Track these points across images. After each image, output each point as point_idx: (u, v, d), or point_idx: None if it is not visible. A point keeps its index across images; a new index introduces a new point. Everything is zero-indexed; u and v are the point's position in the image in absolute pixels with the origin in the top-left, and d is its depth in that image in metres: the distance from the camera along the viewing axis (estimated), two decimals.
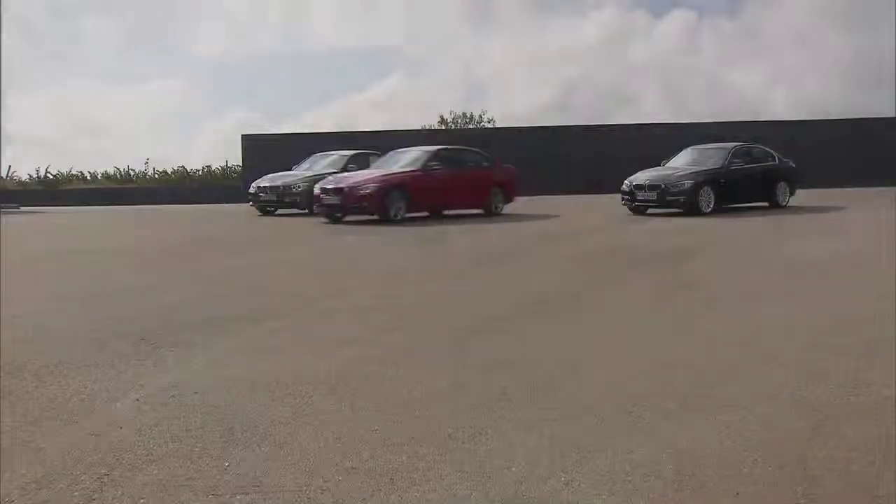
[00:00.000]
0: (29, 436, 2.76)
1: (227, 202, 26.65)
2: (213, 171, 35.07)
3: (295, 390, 3.27)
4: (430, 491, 2.26)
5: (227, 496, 2.23)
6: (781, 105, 62.97)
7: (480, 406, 3.01)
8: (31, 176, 34.97)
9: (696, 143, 16.08)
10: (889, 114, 29.71)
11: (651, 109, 69.35)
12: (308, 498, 2.22)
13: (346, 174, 14.51)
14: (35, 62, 62.90)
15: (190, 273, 7.45)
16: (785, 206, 14.90)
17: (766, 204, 14.84)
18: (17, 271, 7.63)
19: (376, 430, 2.77)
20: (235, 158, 34.40)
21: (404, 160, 14.53)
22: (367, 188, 13.07)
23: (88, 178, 35.52)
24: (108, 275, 7.40)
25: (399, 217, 13.10)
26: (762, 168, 14.91)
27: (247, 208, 17.28)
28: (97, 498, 2.24)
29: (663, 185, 13.73)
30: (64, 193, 31.49)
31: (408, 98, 65.79)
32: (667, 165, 15.17)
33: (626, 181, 14.47)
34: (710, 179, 13.88)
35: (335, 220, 13.67)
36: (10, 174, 34.75)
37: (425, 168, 13.98)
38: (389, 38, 71.51)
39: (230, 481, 2.34)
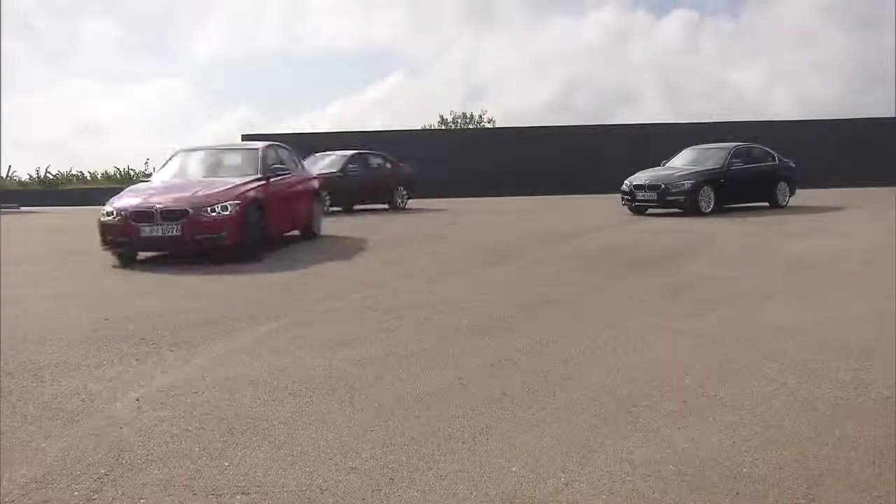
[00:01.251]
0: (29, 436, 2.76)
1: None
2: None
3: (295, 390, 3.27)
4: (430, 491, 2.26)
5: (227, 496, 2.23)
6: (781, 105, 63.08)
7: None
8: (31, 176, 35.04)
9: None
10: (889, 114, 29.74)
11: (651, 109, 69.41)
12: (308, 498, 2.22)
13: (147, 187, 8.78)
14: (35, 62, 63.00)
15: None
16: (785, 206, 14.92)
17: (766, 204, 14.87)
18: (17, 271, 7.63)
19: (376, 430, 2.77)
20: None
21: (222, 164, 9.33)
22: (224, 208, 7.69)
23: (88, 178, 35.57)
24: (108, 275, 7.40)
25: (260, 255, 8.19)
26: (762, 168, 14.93)
27: None
28: (97, 498, 2.24)
29: (663, 185, 13.72)
30: (64, 193, 31.50)
31: (408, 98, 65.89)
32: (667, 165, 15.17)
33: (626, 181, 14.47)
34: (710, 179, 13.88)
35: (127, 262, 7.95)
36: (10, 174, 34.82)
37: (268, 173, 9.04)
38: (389, 38, 71.62)
39: (230, 481, 2.34)
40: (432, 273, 7.05)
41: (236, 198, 7.97)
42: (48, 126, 62.85)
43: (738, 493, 2.19)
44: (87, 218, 18.48)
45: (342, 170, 15.97)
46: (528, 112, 66.87)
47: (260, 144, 9.88)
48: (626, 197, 14.36)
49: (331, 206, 14.89)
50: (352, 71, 73.86)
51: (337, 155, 16.87)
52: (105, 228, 7.84)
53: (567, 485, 2.28)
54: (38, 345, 4.19)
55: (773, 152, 15.45)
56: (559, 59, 67.79)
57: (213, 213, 7.69)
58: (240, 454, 2.56)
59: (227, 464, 2.48)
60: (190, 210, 7.66)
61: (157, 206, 7.74)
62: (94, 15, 68.62)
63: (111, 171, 35.65)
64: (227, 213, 7.74)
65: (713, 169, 14.13)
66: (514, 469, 2.40)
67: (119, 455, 2.56)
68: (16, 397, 3.24)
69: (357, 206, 16.80)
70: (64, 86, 67.32)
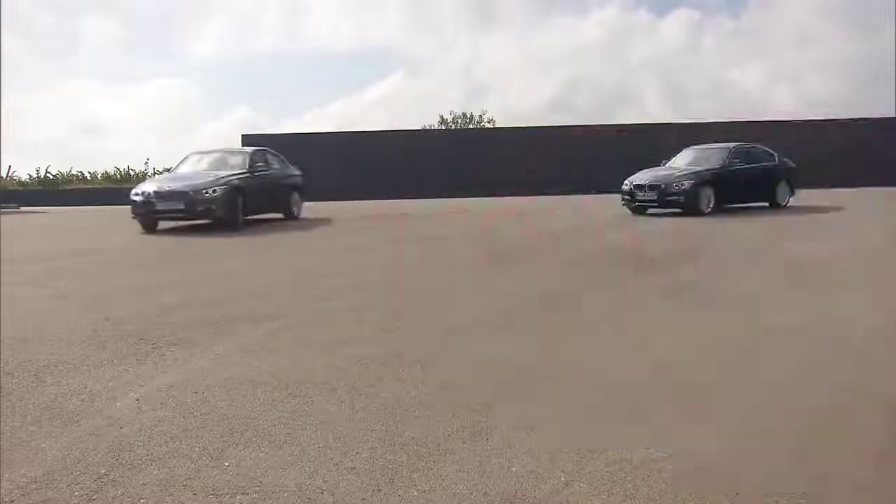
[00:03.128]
0: (29, 436, 2.76)
1: None
2: None
3: (295, 390, 3.27)
4: (430, 491, 2.26)
5: (227, 496, 2.23)
6: (783, 104, 63.08)
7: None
8: (31, 176, 35.06)
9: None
10: (889, 114, 29.68)
11: (652, 108, 69.40)
12: (308, 498, 2.22)
13: None
14: (35, 62, 63.00)
15: (189, 272, 7.44)
16: (785, 206, 14.91)
17: (766, 204, 14.85)
18: (16, 271, 7.63)
19: (376, 430, 2.77)
20: None
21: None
22: None
23: (88, 178, 35.58)
24: (108, 274, 7.40)
25: None
26: (762, 168, 14.91)
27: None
28: (97, 498, 2.24)
29: (663, 185, 13.74)
30: (64, 193, 31.52)
31: (408, 98, 65.90)
32: (667, 165, 15.18)
33: (626, 181, 14.51)
34: (709, 179, 13.91)
35: None
36: (10, 174, 34.83)
37: None
38: (390, 38, 71.65)
39: (230, 481, 2.34)
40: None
41: None
42: (48, 126, 62.88)
43: (738, 494, 2.19)
44: (87, 218, 18.48)
45: (249, 170, 13.06)
46: (528, 112, 66.91)
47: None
48: (626, 197, 14.38)
49: (245, 214, 12.46)
50: (352, 71, 73.93)
51: (220, 152, 13.82)
52: None
53: (567, 485, 2.28)
54: (38, 345, 4.19)
55: (772, 152, 15.47)
56: (560, 58, 67.78)
57: None
58: (240, 454, 2.56)
59: (227, 464, 2.48)
60: None
61: None
62: (93, 14, 68.69)
63: (111, 171, 35.68)
64: None
65: (712, 169, 14.16)
66: (514, 469, 2.40)
67: (119, 455, 2.56)
68: (16, 397, 3.24)
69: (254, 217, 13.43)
70: (64, 86, 67.36)
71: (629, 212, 14.35)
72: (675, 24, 69.42)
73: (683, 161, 15.04)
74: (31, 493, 2.28)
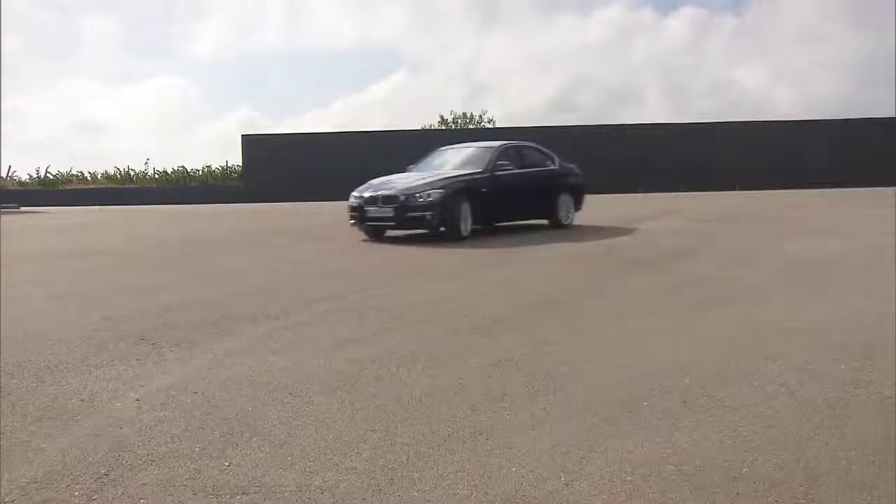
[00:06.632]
0: (29, 436, 2.76)
1: (226, 202, 26.64)
2: (213, 171, 35.18)
3: (295, 390, 3.27)
4: (430, 491, 2.26)
5: (227, 496, 2.23)
6: (783, 104, 63.16)
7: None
8: (31, 176, 35.11)
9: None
10: (889, 114, 29.73)
11: (653, 108, 69.51)
12: (308, 498, 2.22)
13: None
14: (35, 62, 63.06)
15: (189, 273, 7.44)
16: (569, 225, 11.49)
17: (545, 222, 11.59)
18: (16, 271, 7.63)
19: (376, 430, 2.77)
20: (235, 158, 34.60)
21: None
22: None
23: (88, 178, 35.64)
24: (108, 274, 7.40)
25: None
26: (537, 175, 11.38)
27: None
28: (97, 498, 2.24)
29: (402, 198, 9.80)
30: (64, 193, 31.55)
31: (409, 98, 66.00)
32: (413, 171, 11.37)
33: (354, 192, 10.51)
34: (466, 189, 10.08)
35: None
36: (10, 174, 34.87)
37: None
38: (391, 37, 71.74)
39: (230, 481, 2.34)
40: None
41: None
42: (48, 126, 62.95)
43: (738, 494, 2.19)
44: (87, 218, 18.49)
45: None
46: (529, 112, 67.01)
47: None
48: (355, 214, 10.30)
49: None
50: (352, 71, 74.07)
51: None
52: None
53: (567, 485, 2.28)
54: (38, 345, 4.19)
55: (551, 154, 11.87)
56: (561, 57, 67.87)
57: None
58: (240, 454, 2.56)
59: (227, 464, 2.48)
60: None
61: None
62: (93, 14, 68.79)
63: (111, 171, 35.75)
64: None
65: (473, 174, 10.42)
66: (514, 469, 2.40)
67: (119, 455, 2.56)
68: (16, 397, 3.24)
69: None
70: (64, 85, 67.43)
71: (364, 234, 10.55)
72: (677, 24, 69.51)
73: (438, 165, 11.29)
74: (31, 493, 2.28)
